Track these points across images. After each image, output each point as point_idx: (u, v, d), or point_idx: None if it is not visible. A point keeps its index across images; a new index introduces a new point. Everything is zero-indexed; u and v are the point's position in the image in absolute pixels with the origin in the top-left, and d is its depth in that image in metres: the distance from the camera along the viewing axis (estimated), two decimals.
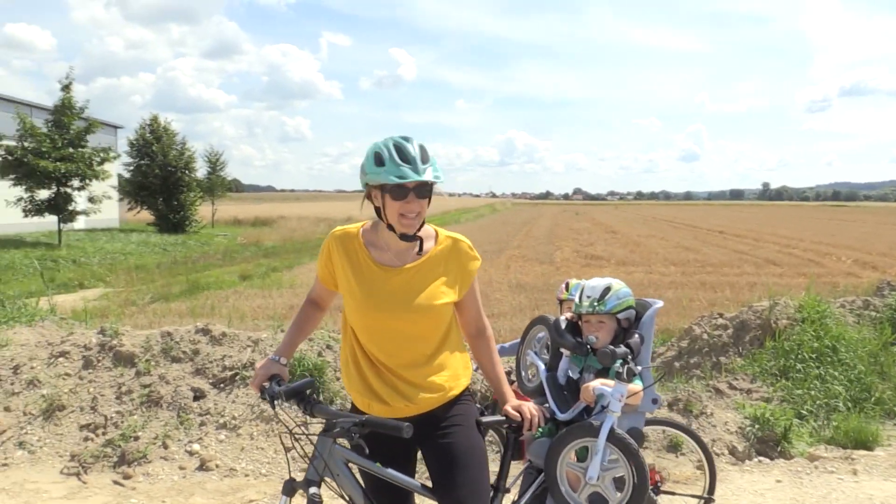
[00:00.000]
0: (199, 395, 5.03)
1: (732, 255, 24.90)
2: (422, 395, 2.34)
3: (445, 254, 2.38)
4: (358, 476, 2.38)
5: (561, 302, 4.00)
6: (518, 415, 2.48)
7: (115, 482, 4.38)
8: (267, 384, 2.35)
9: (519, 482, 3.02)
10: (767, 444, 5.01)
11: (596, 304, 2.92)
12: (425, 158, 2.22)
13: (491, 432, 4.12)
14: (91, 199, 27.70)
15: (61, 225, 27.56)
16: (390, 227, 2.28)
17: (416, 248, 2.34)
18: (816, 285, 8.92)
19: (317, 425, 2.36)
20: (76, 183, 27.23)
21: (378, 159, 2.21)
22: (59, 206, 26.91)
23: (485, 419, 2.50)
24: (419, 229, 2.31)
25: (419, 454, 2.49)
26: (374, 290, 2.31)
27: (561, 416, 2.79)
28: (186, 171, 39.37)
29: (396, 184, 2.18)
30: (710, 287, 15.79)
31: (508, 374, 3.71)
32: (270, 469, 4.58)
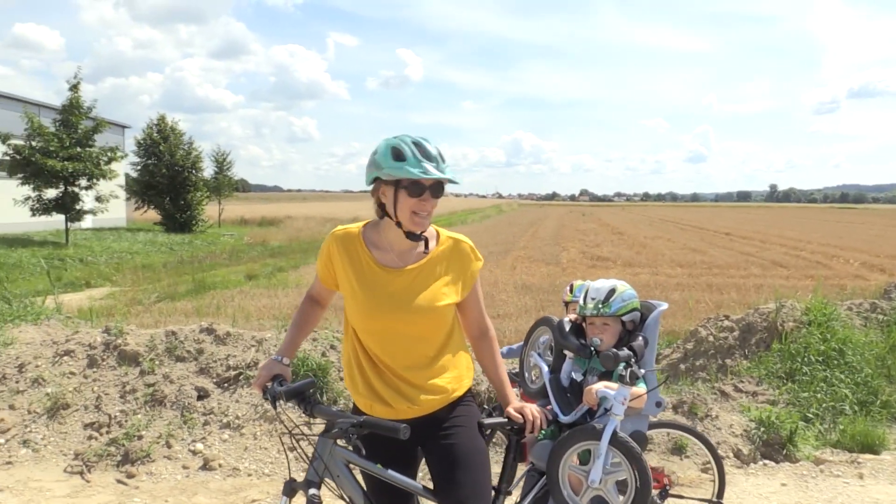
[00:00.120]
0: (202, 395, 5.04)
1: (739, 256, 24.80)
2: (424, 397, 2.33)
3: (447, 254, 2.37)
4: (359, 477, 2.37)
5: (566, 303, 3.98)
6: (520, 417, 2.46)
7: (119, 481, 4.39)
8: (269, 384, 2.34)
9: (521, 484, 3.00)
10: (773, 447, 4.98)
11: (600, 306, 2.90)
12: (443, 159, 2.23)
13: (499, 434, 4.11)
14: (98, 199, 27.81)
15: (68, 224, 27.66)
16: (398, 225, 2.26)
17: (422, 248, 2.33)
18: (823, 288, 8.87)
19: (318, 426, 2.35)
20: (83, 182, 27.33)
21: (397, 154, 2.19)
22: (67, 206, 27.01)
23: (487, 421, 2.49)
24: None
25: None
26: (377, 292, 2.30)
27: (564, 419, 2.77)
28: (193, 171, 39.48)
29: (415, 180, 2.17)
30: (716, 289, 15.72)
31: (516, 375, 3.69)
32: (273, 469, 4.58)
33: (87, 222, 30.93)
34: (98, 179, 27.65)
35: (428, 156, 2.19)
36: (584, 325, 3.01)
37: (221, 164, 47.02)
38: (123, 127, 44.48)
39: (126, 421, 4.83)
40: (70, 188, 26.96)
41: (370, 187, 2.31)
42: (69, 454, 4.63)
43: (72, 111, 27.06)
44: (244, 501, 4.18)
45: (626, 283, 2.98)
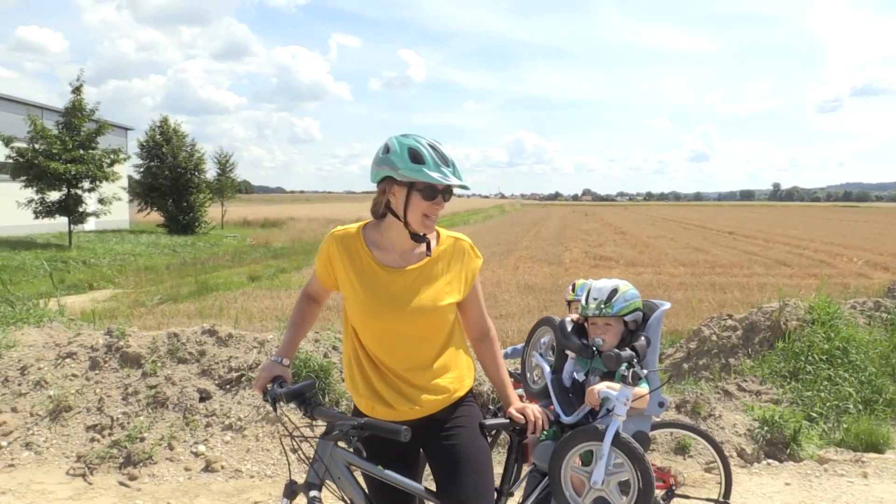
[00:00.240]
0: (204, 397, 5.03)
1: (742, 255, 24.77)
2: (426, 398, 2.31)
3: (448, 254, 2.37)
4: (360, 479, 2.36)
5: (569, 303, 3.97)
6: (522, 417, 2.45)
7: (121, 483, 4.38)
8: (269, 386, 2.33)
9: (523, 485, 2.99)
10: (776, 446, 4.96)
11: (602, 306, 2.88)
12: (455, 164, 2.24)
13: (504, 435, 4.10)
14: (101, 201, 27.88)
15: (72, 226, 27.75)
16: (406, 225, 2.26)
17: (423, 249, 2.33)
18: (827, 286, 8.84)
19: (320, 428, 2.34)
20: (86, 184, 27.43)
21: (415, 156, 2.18)
22: (70, 208, 27.10)
23: (489, 422, 2.48)
24: None
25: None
26: (378, 292, 2.29)
27: (566, 419, 2.75)
28: (196, 173, 39.55)
29: (431, 184, 2.18)
30: (719, 288, 15.70)
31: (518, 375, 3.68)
32: (276, 470, 4.57)
33: (90, 224, 31.02)
34: (101, 182, 27.74)
35: (445, 160, 2.20)
36: (586, 325, 3.00)
37: (224, 165, 47.11)
38: (126, 129, 44.59)
39: (128, 423, 4.82)
40: (73, 190, 27.05)
41: (374, 185, 2.30)
42: (71, 456, 4.63)
43: (74, 114, 27.16)
44: (246, 503, 4.18)
45: (628, 283, 2.97)
